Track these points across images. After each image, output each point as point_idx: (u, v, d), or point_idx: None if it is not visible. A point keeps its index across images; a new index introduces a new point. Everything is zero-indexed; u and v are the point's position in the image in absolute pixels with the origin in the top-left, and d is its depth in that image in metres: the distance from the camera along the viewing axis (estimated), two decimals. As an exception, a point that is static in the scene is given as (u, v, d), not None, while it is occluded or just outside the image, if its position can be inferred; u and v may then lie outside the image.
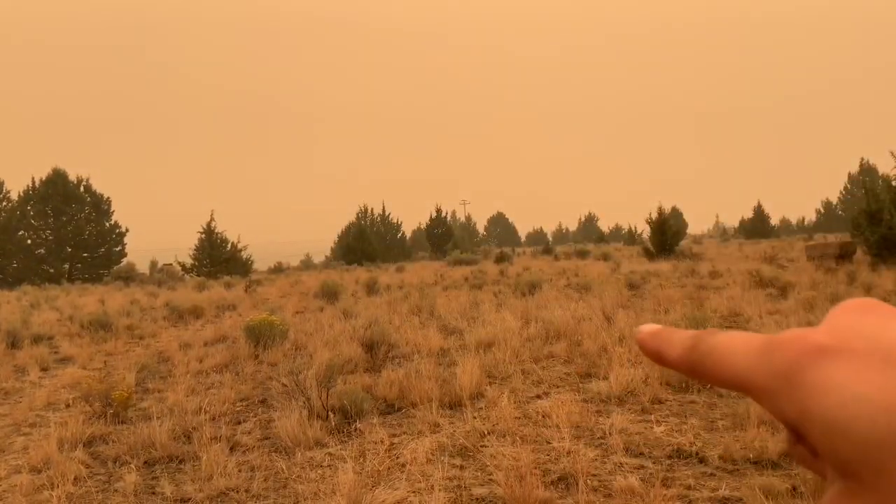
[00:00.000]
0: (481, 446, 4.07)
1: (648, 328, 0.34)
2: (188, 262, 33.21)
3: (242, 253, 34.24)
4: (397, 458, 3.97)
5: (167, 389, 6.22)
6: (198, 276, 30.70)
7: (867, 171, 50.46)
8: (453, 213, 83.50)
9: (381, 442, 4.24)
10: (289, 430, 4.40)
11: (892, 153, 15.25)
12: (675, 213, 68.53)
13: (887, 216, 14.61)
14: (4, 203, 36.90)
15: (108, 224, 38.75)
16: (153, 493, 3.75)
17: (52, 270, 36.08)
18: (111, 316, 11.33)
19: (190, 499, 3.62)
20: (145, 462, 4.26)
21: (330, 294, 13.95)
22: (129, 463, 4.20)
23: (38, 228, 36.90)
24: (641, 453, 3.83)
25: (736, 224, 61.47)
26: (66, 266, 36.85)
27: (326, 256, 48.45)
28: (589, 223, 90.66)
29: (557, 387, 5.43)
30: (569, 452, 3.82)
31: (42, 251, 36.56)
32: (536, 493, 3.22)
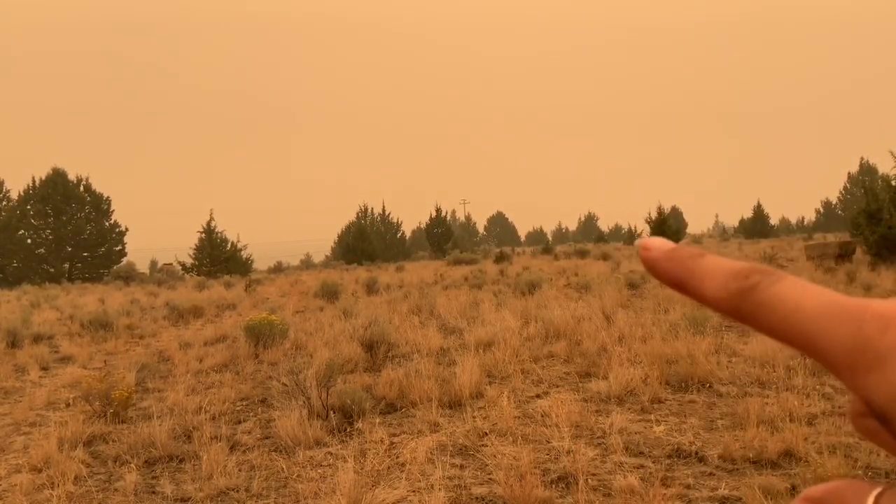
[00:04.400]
0: (481, 446, 4.07)
1: (659, 244, 0.29)
2: (188, 261, 33.22)
3: (242, 252, 34.25)
4: (397, 457, 3.97)
5: (167, 389, 6.22)
6: (198, 275, 30.71)
7: (867, 170, 50.42)
8: (453, 212, 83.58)
9: (381, 441, 4.25)
10: (289, 429, 4.41)
11: (891, 153, 15.24)
12: (675, 212, 68.54)
13: (887, 216, 14.60)
14: (4, 202, 36.92)
15: (107, 223, 38.75)
16: (153, 493, 3.76)
17: (52, 270, 36.08)
18: (111, 315, 11.34)
19: (190, 498, 3.63)
20: (145, 461, 4.26)
21: (330, 293, 13.95)
22: (130, 462, 4.20)
23: (38, 228, 36.89)
24: (641, 453, 3.84)
25: (735, 223, 61.46)
26: (66, 265, 36.85)
27: (326, 256, 48.46)
28: (588, 223, 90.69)
29: (557, 386, 5.44)
30: (568, 452, 3.82)
31: (42, 251, 36.55)
32: (536, 492, 3.23)
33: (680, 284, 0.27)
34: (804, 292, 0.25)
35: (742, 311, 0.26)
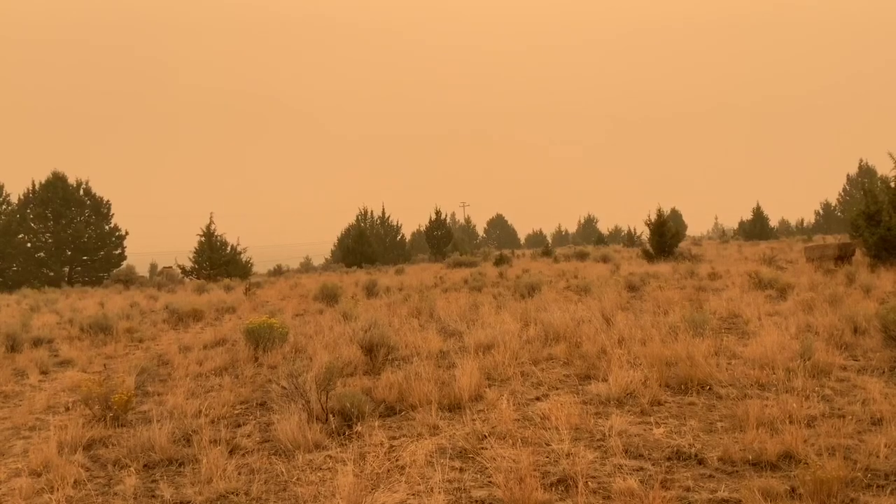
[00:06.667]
0: (481, 448, 4.07)
1: None
2: (188, 264, 33.21)
3: (242, 255, 34.25)
4: (397, 460, 3.97)
5: (167, 392, 6.22)
6: (197, 278, 30.71)
7: (866, 172, 50.42)
8: (453, 215, 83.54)
9: (381, 444, 4.25)
10: (288, 432, 4.41)
11: (890, 155, 15.26)
12: (675, 214, 68.55)
13: (886, 217, 14.62)
14: (4, 206, 36.89)
15: (107, 227, 38.71)
16: (153, 497, 3.75)
17: (51, 273, 36.05)
18: (111, 319, 11.33)
19: (189, 502, 3.62)
20: (145, 465, 4.26)
21: (329, 296, 13.95)
22: (129, 466, 4.20)
23: (38, 232, 36.86)
24: (641, 455, 3.83)
25: (735, 225, 61.43)
26: (66, 269, 36.82)
27: (326, 259, 48.45)
28: (588, 225, 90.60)
29: (557, 389, 5.44)
30: (568, 454, 3.82)
31: (42, 254, 36.52)
32: (536, 494, 3.23)
33: None
34: None
35: None
